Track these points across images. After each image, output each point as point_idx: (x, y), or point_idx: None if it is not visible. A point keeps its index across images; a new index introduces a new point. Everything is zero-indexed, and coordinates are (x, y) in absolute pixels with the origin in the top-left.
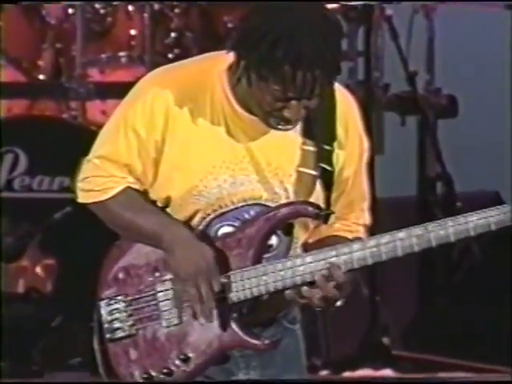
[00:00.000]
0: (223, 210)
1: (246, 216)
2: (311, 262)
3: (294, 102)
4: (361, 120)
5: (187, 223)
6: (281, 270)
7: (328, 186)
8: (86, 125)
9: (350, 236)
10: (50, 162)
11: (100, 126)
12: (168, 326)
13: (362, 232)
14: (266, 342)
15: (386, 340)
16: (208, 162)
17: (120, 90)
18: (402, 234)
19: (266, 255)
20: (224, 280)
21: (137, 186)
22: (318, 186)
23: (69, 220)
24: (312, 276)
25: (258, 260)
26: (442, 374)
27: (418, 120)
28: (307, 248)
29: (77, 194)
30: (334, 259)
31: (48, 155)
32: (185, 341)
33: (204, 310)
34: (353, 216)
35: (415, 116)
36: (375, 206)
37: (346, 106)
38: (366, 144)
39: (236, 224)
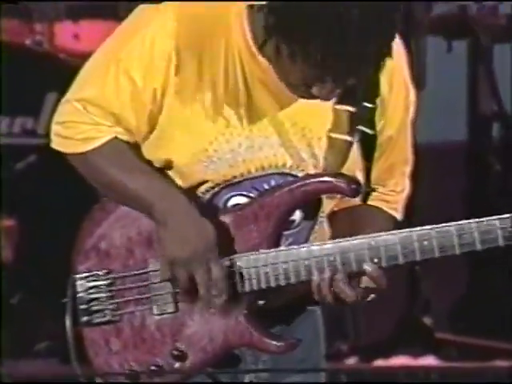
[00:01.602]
0: (237, 180)
1: (266, 186)
2: (344, 252)
3: (324, 81)
4: (408, 67)
5: (188, 191)
6: (306, 259)
7: (368, 155)
8: (54, 52)
9: (385, 207)
10: (8, 98)
11: (71, 54)
12: (160, 314)
13: (399, 202)
14: (284, 343)
15: (427, 320)
16: (220, 120)
17: (98, 8)
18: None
19: (287, 232)
20: (228, 264)
21: (126, 138)
22: (354, 154)
23: (33, 171)
24: (344, 270)
25: (276, 239)
26: (500, 363)
27: (468, 45)
28: (333, 219)
29: (51, 138)
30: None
31: (6, 90)
32: (180, 333)
33: (199, 302)
34: (392, 183)
35: (464, 40)
36: (416, 154)
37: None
38: (412, 96)
39: (252, 195)
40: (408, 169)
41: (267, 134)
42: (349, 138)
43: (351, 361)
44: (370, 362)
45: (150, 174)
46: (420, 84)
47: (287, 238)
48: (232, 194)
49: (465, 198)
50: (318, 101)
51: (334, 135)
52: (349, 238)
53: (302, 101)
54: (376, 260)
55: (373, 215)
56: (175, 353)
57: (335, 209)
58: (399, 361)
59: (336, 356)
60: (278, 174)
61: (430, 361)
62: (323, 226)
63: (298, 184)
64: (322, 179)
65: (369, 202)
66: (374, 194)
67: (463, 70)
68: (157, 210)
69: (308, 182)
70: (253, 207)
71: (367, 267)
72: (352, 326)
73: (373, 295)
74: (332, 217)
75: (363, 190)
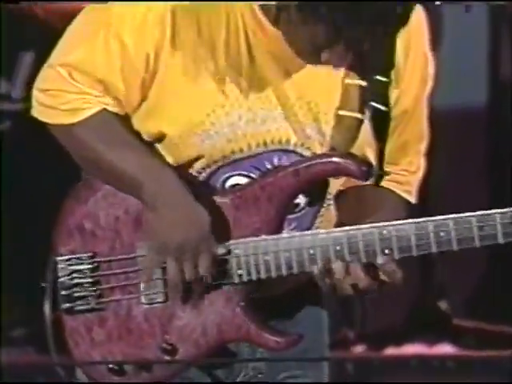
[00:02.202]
0: (236, 157)
1: (268, 165)
2: (352, 241)
3: (336, 46)
4: (428, 37)
5: (182, 169)
6: (310, 248)
7: (381, 134)
8: (30, 8)
9: (397, 189)
10: None
11: (49, 11)
12: (149, 304)
13: (413, 183)
14: (284, 338)
15: (443, 305)
16: (219, 90)
17: None
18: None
19: (290, 216)
20: (224, 251)
21: (116, 110)
22: (365, 133)
23: (6, 141)
24: (356, 258)
25: (279, 224)
26: None
27: (488, 5)
28: (339, 200)
29: (33, 105)
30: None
31: None
32: (171, 325)
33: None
34: (405, 162)
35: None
36: (433, 119)
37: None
38: (431, 69)
39: (252, 175)
40: (423, 147)
41: (270, 107)
42: (359, 116)
43: (359, 349)
44: (379, 351)
45: (140, 151)
46: (437, 44)
47: (290, 223)
48: (230, 173)
49: (485, 177)
50: (326, 74)
51: (342, 112)
52: (358, 226)
53: (309, 73)
54: (387, 251)
55: (383, 197)
56: (164, 346)
57: (342, 188)
58: (412, 349)
59: (342, 344)
60: (282, 150)
61: (446, 349)
62: (330, 210)
63: (304, 165)
64: (330, 160)
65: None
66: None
67: (483, 29)
68: (146, 192)
69: (315, 162)
70: (253, 188)
71: (379, 260)
72: (360, 310)
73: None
74: (338, 197)
75: (375, 172)
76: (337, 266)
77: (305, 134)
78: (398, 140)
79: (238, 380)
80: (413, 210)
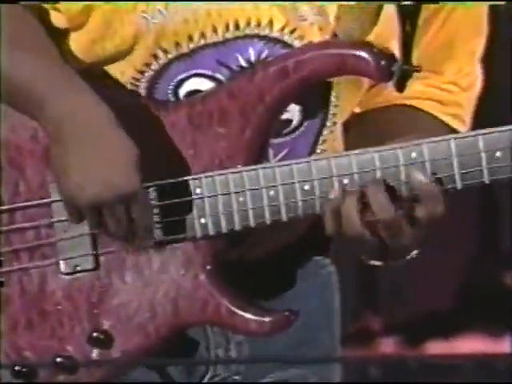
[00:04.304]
0: (195, 46)
1: (241, 60)
2: (365, 170)
3: None
4: None
5: (106, 74)
6: (305, 181)
7: (411, 17)
8: None
9: (439, 112)
10: None
11: None
12: (72, 273)
13: (464, 104)
14: (271, 317)
15: (509, 280)
16: None
17: None
18: None
19: (277, 140)
20: (178, 190)
21: None
22: (387, 15)
23: None
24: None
25: (258, 150)
26: None
27: None
28: (352, 127)
29: None
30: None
31: None
32: (103, 304)
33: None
34: (452, 68)
35: None
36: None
37: None
38: None
39: (219, 75)
40: (480, 46)
41: None
42: None
43: (385, 345)
44: (414, 348)
45: (42, 53)
46: None
47: (279, 150)
48: (186, 73)
49: None
50: None
51: None
52: (374, 148)
53: None
54: None
55: (417, 125)
56: (95, 335)
57: (356, 111)
58: (466, 345)
59: (364, 335)
60: (261, 37)
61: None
62: (336, 130)
63: (295, 59)
64: (332, 51)
65: (410, 102)
66: (419, 86)
67: None
68: (49, 118)
69: (311, 55)
70: (220, 97)
71: (417, 176)
72: (387, 289)
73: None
74: (350, 124)
75: (400, 69)
76: (350, 202)
77: (296, 15)
78: (440, 34)
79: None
80: None
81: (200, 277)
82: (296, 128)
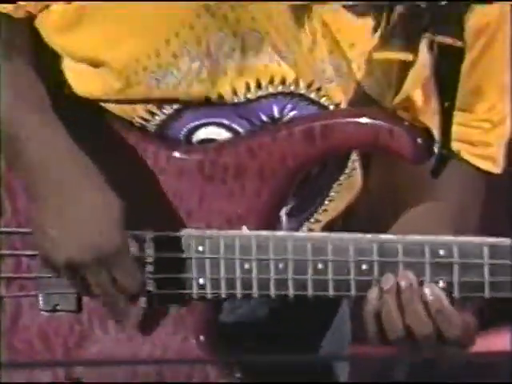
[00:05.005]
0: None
1: (263, 116)
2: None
3: None
4: None
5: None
6: (319, 261)
7: (448, 85)
8: None
9: (468, 155)
10: None
11: None
12: (51, 311)
13: (495, 143)
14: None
15: None
16: (187, 5)
17: None
18: None
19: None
20: (180, 246)
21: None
22: (419, 75)
23: None
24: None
25: (272, 212)
26: None
27: None
28: (372, 163)
29: None
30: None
31: None
32: (79, 351)
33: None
34: (484, 106)
35: None
36: None
37: None
38: None
39: (237, 127)
40: (509, 81)
41: (268, 29)
42: (409, 58)
43: None
44: None
45: (26, 85)
46: None
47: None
48: (202, 120)
49: None
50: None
51: (379, 55)
52: (398, 237)
53: None
54: (442, 283)
55: (444, 173)
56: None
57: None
58: (501, 342)
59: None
60: (285, 94)
61: None
62: (355, 176)
63: (323, 123)
64: (365, 121)
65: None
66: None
67: None
68: (25, 165)
69: (340, 122)
70: (237, 151)
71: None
72: None
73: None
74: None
75: (438, 153)
76: (392, 308)
77: (323, 75)
78: (472, 77)
79: None
80: (499, 188)
81: (190, 341)
82: (313, 179)
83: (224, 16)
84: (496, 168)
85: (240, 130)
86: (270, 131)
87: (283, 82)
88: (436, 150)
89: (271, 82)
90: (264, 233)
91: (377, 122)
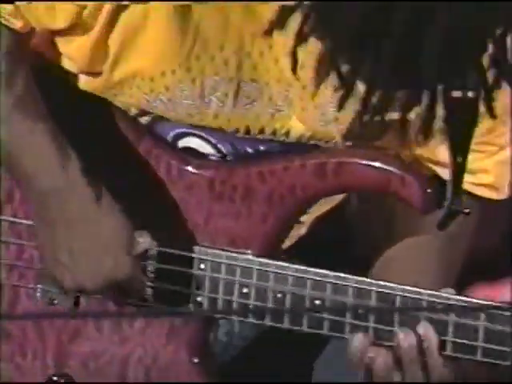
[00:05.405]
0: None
1: (248, 149)
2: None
3: None
4: None
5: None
6: (317, 298)
7: (463, 146)
8: None
9: (472, 188)
10: None
11: None
12: (48, 304)
13: (496, 169)
14: None
15: None
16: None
17: None
18: None
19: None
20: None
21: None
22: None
23: None
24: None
25: (276, 240)
26: None
27: None
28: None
29: None
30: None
31: None
32: (71, 347)
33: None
34: (482, 128)
35: None
36: None
37: None
38: None
39: (221, 146)
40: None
41: (267, 80)
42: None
43: None
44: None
45: (37, 121)
46: None
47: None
48: (189, 129)
49: None
50: None
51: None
52: (399, 287)
53: None
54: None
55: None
56: (54, 378)
57: None
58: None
59: None
60: (284, 144)
61: None
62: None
63: (337, 160)
64: (379, 165)
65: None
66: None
67: None
68: (36, 190)
69: (355, 162)
70: (248, 173)
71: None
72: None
73: None
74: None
75: (447, 207)
76: (386, 366)
77: (323, 118)
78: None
79: None
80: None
81: (181, 353)
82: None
83: (225, 61)
84: (499, 195)
85: (224, 151)
86: (282, 158)
87: (274, 133)
88: (445, 204)
89: (261, 132)
90: (266, 260)
91: (390, 167)
